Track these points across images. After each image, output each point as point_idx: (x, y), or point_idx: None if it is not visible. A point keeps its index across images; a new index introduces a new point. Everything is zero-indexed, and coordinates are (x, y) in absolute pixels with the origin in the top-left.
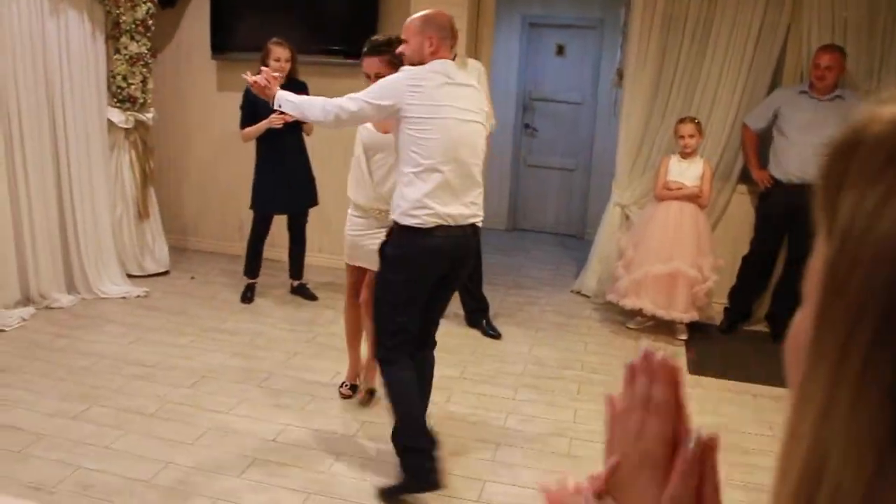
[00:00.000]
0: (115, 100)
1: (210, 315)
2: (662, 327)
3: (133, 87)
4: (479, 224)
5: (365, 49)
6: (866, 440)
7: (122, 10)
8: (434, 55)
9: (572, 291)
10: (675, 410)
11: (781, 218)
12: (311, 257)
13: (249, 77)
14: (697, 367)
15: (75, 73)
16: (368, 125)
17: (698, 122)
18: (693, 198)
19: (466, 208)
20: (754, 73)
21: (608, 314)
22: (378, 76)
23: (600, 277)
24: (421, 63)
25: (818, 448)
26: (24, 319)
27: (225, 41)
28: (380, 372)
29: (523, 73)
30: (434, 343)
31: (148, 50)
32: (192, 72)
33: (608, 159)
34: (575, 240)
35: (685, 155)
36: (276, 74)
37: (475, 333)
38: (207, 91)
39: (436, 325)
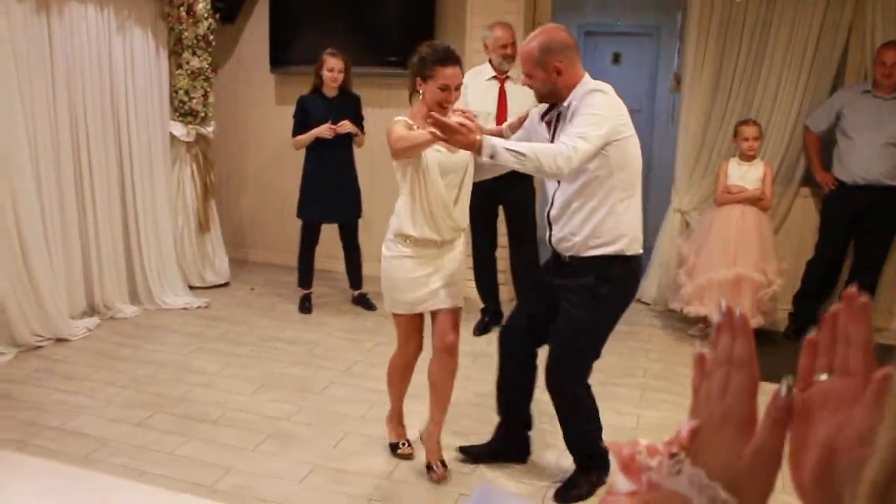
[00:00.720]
0: (178, 113)
1: (269, 325)
2: None
3: (195, 101)
4: None
5: (443, 57)
6: None
7: (184, 26)
8: (573, 78)
9: (636, 300)
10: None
11: (847, 221)
12: (371, 266)
13: (438, 118)
14: (764, 376)
15: (139, 88)
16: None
17: (759, 125)
18: (755, 200)
19: None
20: (815, 75)
21: (669, 321)
22: (458, 88)
23: (660, 284)
24: (556, 92)
25: None
26: (89, 329)
27: (283, 55)
28: (569, 401)
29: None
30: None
31: (209, 65)
32: (252, 86)
33: (667, 167)
34: None
35: (747, 157)
36: (474, 114)
37: None
38: (266, 104)
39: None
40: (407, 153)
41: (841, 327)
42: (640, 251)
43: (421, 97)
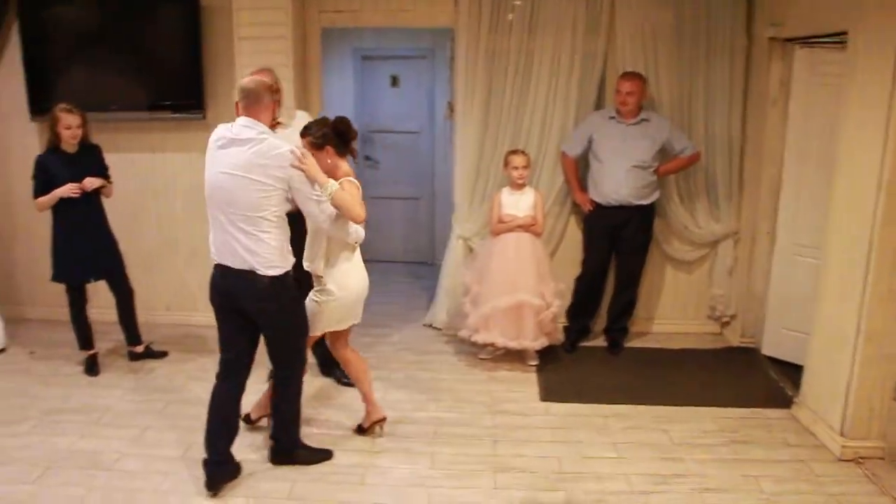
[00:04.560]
0: None
1: (53, 394)
2: (514, 355)
3: None
4: (259, 270)
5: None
6: None
7: None
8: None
9: (424, 325)
10: None
11: (605, 238)
12: (158, 316)
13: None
14: (548, 394)
15: None
16: None
17: (527, 154)
18: (527, 227)
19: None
20: (579, 102)
21: (460, 346)
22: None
23: (449, 309)
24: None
25: None
26: None
27: (45, 102)
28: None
29: (360, 105)
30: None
31: None
32: (12, 136)
33: (450, 185)
34: (426, 266)
35: (518, 186)
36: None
37: (329, 382)
38: (30, 155)
39: (270, 360)
40: None
41: None
42: (214, 261)
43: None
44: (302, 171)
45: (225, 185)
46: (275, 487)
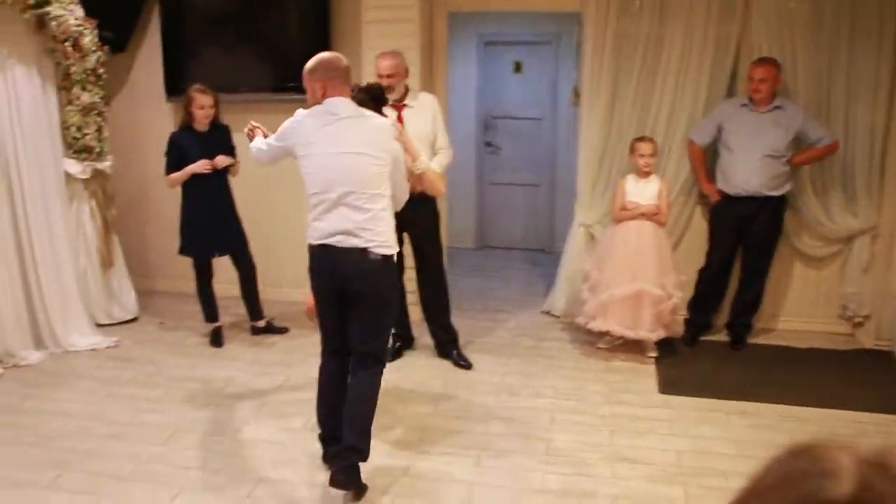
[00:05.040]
0: (72, 151)
1: (180, 363)
2: (632, 346)
3: (88, 136)
4: (373, 248)
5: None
6: None
7: (71, 61)
8: (324, 96)
9: (542, 312)
10: None
11: (732, 230)
12: (273, 292)
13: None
14: (667, 387)
15: (27, 128)
16: None
17: (655, 141)
18: (651, 216)
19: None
20: (709, 89)
21: (578, 334)
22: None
23: (568, 297)
24: (317, 104)
25: None
26: None
27: (179, 82)
28: None
29: (482, 91)
30: (366, 361)
31: (101, 98)
32: (148, 116)
33: (571, 173)
34: (544, 254)
35: (643, 174)
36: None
37: (446, 365)
38: (164, 134)
39: (359, 342)
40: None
41: None
42: (314, 243)
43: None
44: (401, 143)
45: (344, 163)
46: (391, 464)
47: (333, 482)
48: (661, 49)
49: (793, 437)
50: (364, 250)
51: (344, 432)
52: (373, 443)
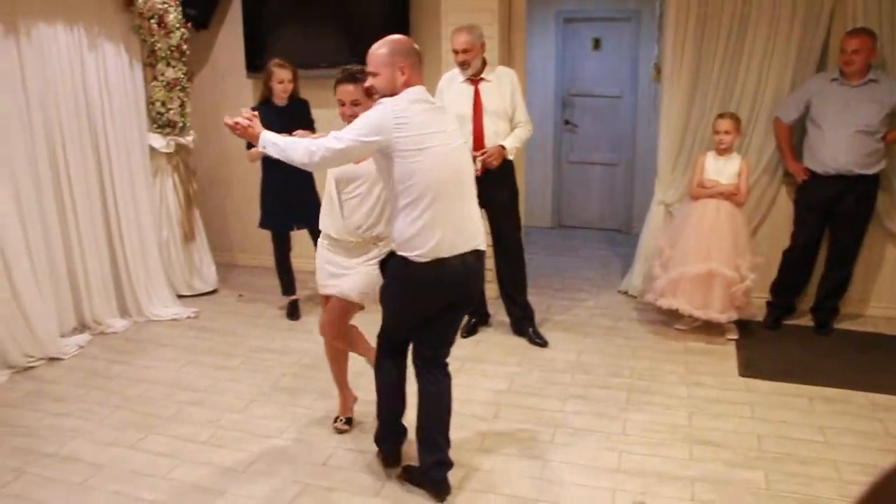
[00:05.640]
0: (156, 125)
1: (258, 334)
2: (710, 328)
3: (172, 111)
4: (482, 248)
5: (340, 77)
6: None
7: (156, 37)
8: (407, 84)
9: (619, 291)
10: None
11: (819, 210)
12: None
13: (229, 120)
14: (747, 370)
15: (115, 103)
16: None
17: (736, 118)
18: (729, 195)
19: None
20: (798, 66)
21: (655, 315)
22: (355, 104)
23: (646, 276)
24: (394, 94)
25: None
26: (80, 346)
27: (259, 59)
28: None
29: (560, 68)
30: (445, 366)
31: (184, 74)
32: (229, 92)
33: (650, 156)
34: (621, 234)
35: (721, 151)
36: (255, 113)
37: (522, 342)
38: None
39: (445, 345)
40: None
41: None
42: (423, 260)
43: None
44: None
45: (457, 156)
46: (465, 439)
47: (442, 495)
48: (748, 23)
49: (881, 427)
50: (481, 252)
51: (437, 444)
52: None
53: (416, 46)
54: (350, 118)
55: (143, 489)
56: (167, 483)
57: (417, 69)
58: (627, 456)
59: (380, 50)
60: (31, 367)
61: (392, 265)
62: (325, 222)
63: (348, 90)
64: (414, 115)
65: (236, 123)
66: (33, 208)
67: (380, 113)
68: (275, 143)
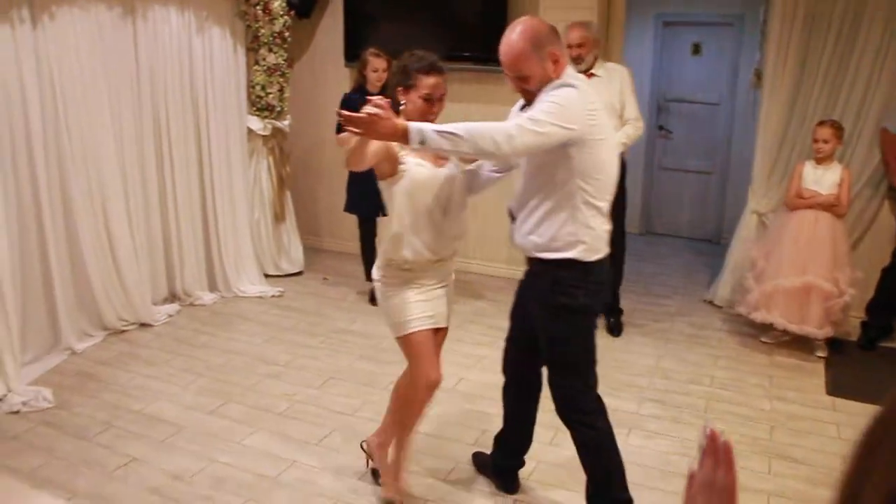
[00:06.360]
0: (255, 108)
1: (340, 316)
2: (799, 343)
3: (271, 95)
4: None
5: (424, 66)
6: None
7: (261, 23)
8: (561, 68)
9: (704, 301)
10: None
11: None
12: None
13: (345, 113)
14: (836, 389)
15: (218, 85)
16: (423, 160)
17: (838, 127)
18: (828, 206)
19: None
20: None
21: (741, 326)
22: (442, 98)
23: (734, 287)
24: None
25: None
26: (170, 315)
27: (357, 49)
28: (573, 430)
29: (657, 73)
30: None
31: (285, 60)
32: (327, 79)
33: (746, 165)
34: (710, 245)
35: (819, 160)
36: (386, 101)
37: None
38: (340, 98)
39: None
40: (356, 162)
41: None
42: (598, 258)
43: (403, 109)
44: None
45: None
46: (538, 433)
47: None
48: (860, 23)
49: None
50: None
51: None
52: None
53: (549, 23)
54: (432, 118)
55: (219, 452)
56: (242, 448)
57: (565, 52)
58: None
59: (519, 46)
60: (125, 331)
61: (565, 280)
62: (398, 246)
63: (440, 83)
64: (597, 101)
65: (356, 116)
66: (136, 181)
67: (573, 99)
68: (440, 132)
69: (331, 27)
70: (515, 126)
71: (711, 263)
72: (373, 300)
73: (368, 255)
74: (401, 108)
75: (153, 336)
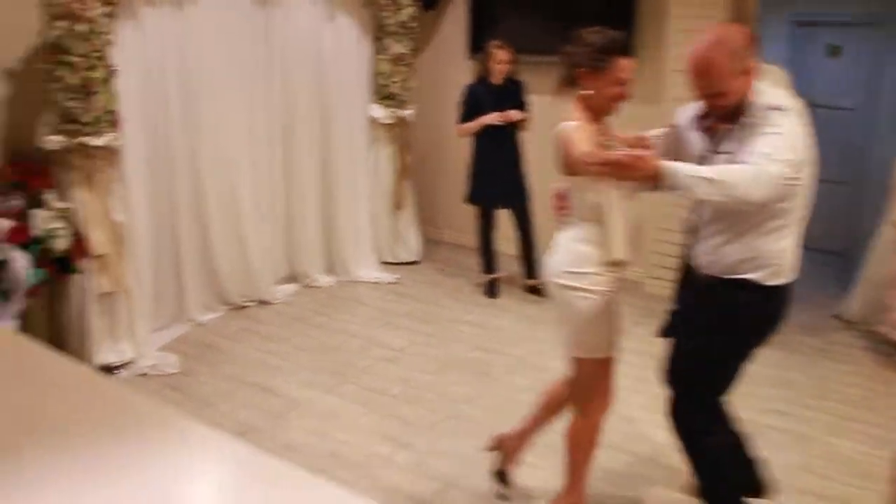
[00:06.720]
0: (378, 97)
1: (455, 306)
2: None
3: (395, 85)
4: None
5: (622, 46)
6: None
7: (387, 13)
8: (752, 81)
9: (833, 315)
10: None
11: None
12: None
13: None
14: None
15: (344, 72)
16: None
17: None
18: None
19: None
20: None
21: (873, 343)
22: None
23: (868, 302)
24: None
25: None
26: (289, 295)
27: (481, 42)
28: (690, 440)
29: (789, 77)
30: None
31: (409, 50)
32: (450, 71)
33: (885, 174)
34: (839, 257)
35: None
36: (635, 144)
37: None
38: (463, 89)
39: None
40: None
41: None
42: (784, 282)
43: (579, 95)
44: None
45: None
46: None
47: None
48: None
49: None
50: None
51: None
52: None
53: (746, 30)
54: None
55: (333, 429)
56: (357, 428)
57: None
58: (826, 482)
59: (716, 60)
60: (245, 307)
61: (737, 296)
62: (606, 247)
63: (633, 65)
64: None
65: (615, 158)
66: (263, 162)
67: (797, 136)
68: (693, 176)
69: (456, 20)
70: (766, 178)
71: (840, 277)
72: (489, 293)
73: (487, 247)
74: (583, 93)
75: (272, 314)
